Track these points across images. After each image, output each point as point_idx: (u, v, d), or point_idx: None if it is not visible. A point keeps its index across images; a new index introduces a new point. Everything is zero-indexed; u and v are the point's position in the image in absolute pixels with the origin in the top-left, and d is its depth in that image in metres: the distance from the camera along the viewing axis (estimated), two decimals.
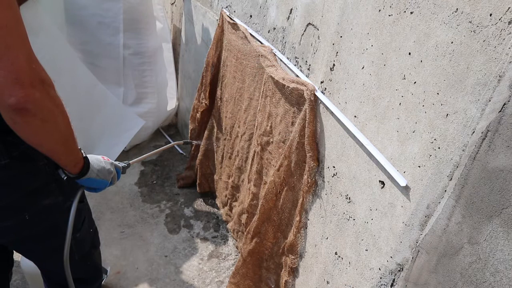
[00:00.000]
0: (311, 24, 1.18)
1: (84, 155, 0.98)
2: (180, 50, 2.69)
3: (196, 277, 1.86)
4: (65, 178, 0.98)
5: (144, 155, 1.45)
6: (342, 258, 1.13)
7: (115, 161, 1.15)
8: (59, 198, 1.02)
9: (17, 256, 1.79)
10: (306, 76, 1.23)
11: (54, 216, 1.04)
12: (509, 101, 0.62)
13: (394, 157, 0.88)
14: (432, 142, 0.78)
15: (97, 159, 1.04)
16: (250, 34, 1.57)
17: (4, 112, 0.74)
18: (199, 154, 2.21)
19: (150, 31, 2.48)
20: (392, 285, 0.93)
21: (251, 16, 1.61)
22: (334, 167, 1.13)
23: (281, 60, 1.37)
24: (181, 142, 1.81)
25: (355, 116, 1.01)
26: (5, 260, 1.22)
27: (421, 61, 0.78)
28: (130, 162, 1.25)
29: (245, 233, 1.60)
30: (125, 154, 2.64)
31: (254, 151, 1.57)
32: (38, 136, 0.80)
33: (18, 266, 1.74)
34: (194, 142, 2.12)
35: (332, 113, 1.09)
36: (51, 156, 0.88)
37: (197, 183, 2.32)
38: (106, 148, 2.43)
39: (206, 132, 2.14)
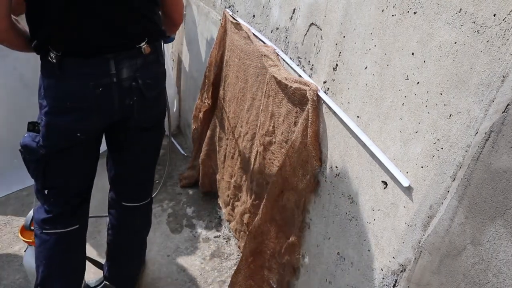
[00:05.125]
0: (314, 24, 1.18)
1: None
2: (183, 49, 2.70)
3: (198, 276, 1.86)
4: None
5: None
6: (344, 259, 1.13)
7: None
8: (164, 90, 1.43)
9: (19, 254, 1.80)
10: (309, 76, 1.23)
11: (164, 104, 1.45)
12: None
13: (397, 158, 0.88)
14: (435, 143, 0.77)
15: None
16: (253, 34, 1.57)
17: (172, 27, 1.46)
18: (201, 154, 2.21)
19: None
20: (394, 285, 0.93)
21: (254, 16, 1.61)
22: (336, 167, 1.13)
23: (284, 60, 1.37)
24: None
25: (358, 116, 1.01)
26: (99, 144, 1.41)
27: (425, 61, 0.78)
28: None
29: (247, 233, 1.60)
30: None
31: (257, 151, 1.57)
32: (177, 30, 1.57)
33: (21, 265, 1.74)
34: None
35: (335, 113, 1.09)
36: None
37: (199, 183, 2.32)
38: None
39: (208, 132, 2.14)
